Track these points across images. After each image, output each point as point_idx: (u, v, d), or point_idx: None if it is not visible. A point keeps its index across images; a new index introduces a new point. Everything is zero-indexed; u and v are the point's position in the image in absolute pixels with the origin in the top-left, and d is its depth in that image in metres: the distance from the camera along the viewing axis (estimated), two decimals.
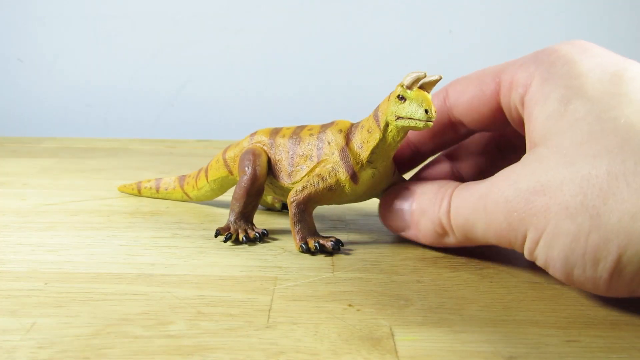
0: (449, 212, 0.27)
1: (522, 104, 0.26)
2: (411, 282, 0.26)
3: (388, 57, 0.75)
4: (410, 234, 0.30)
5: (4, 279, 0.26)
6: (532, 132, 0.25)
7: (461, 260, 0.29)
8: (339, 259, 0.29)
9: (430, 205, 0.28)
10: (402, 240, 0.32)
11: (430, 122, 0.27)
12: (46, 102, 0.75)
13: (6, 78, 0.75)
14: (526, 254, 0.25)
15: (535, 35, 0.74)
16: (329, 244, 0.29)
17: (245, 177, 0.32)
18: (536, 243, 0.23)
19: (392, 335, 0.21)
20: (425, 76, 0.27)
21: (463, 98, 0.29)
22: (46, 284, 0.25)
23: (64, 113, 0.75)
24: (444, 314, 0.23)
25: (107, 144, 0.63)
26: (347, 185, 0.30)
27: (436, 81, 0.28)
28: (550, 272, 0.24)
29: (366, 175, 0.30)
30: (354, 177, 0.30)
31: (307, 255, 0.30)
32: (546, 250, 0.23)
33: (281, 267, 0.28)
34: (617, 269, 0.21)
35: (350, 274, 0.27)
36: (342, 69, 0.75)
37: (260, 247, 0.31)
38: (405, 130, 0.28)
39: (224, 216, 0.36)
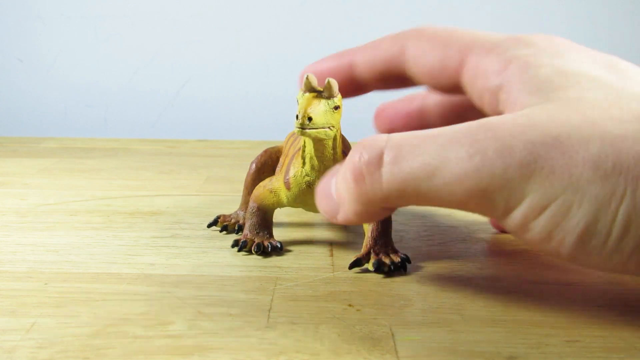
0: (380, 168, 0.21)
1: (496, 99, 0.23)
2: (411, 282, 0.26)
3: None
4: (340, 217, 0.24)
5: (4, 279, 0.26)
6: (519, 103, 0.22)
7: (461, 260, 0.29)
8: (339, 259, 0.29)
9: (351, 174, 0.22)
10: (401, 241, 0.32)
11: (302, 129, 0.26)
12: (46, 102, 0.75)
13: (6, 78, 0.75)
14: (512, 223, 0.20)
15: None
16: (266, 244, 0.29)
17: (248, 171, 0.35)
18: (539, 211, 0.19)
19: (392, 335, 0.21)
20: (306, 79, 0.26)
21: (423, 60, 0.26)
22: (46, 284, 0.25)
23: (64, 113, 0.75)
24: (444, 314, 0.23)
25: (107, 144, 0.63)
26: (282, 190, 0.30)
27: (309, 82, 0.26)
28: (552, 245, 0.20)
29: (297, 182, 0.29)
30: (287, 183, 0.29)
31: (307, 255, 0.30)
32: (556, 220, 0.19)
33: (281, 267, 0.28)
34: None
35: (350, 274, 0.27)
36: None
37: None
38: (311, 136, 0.26)
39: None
